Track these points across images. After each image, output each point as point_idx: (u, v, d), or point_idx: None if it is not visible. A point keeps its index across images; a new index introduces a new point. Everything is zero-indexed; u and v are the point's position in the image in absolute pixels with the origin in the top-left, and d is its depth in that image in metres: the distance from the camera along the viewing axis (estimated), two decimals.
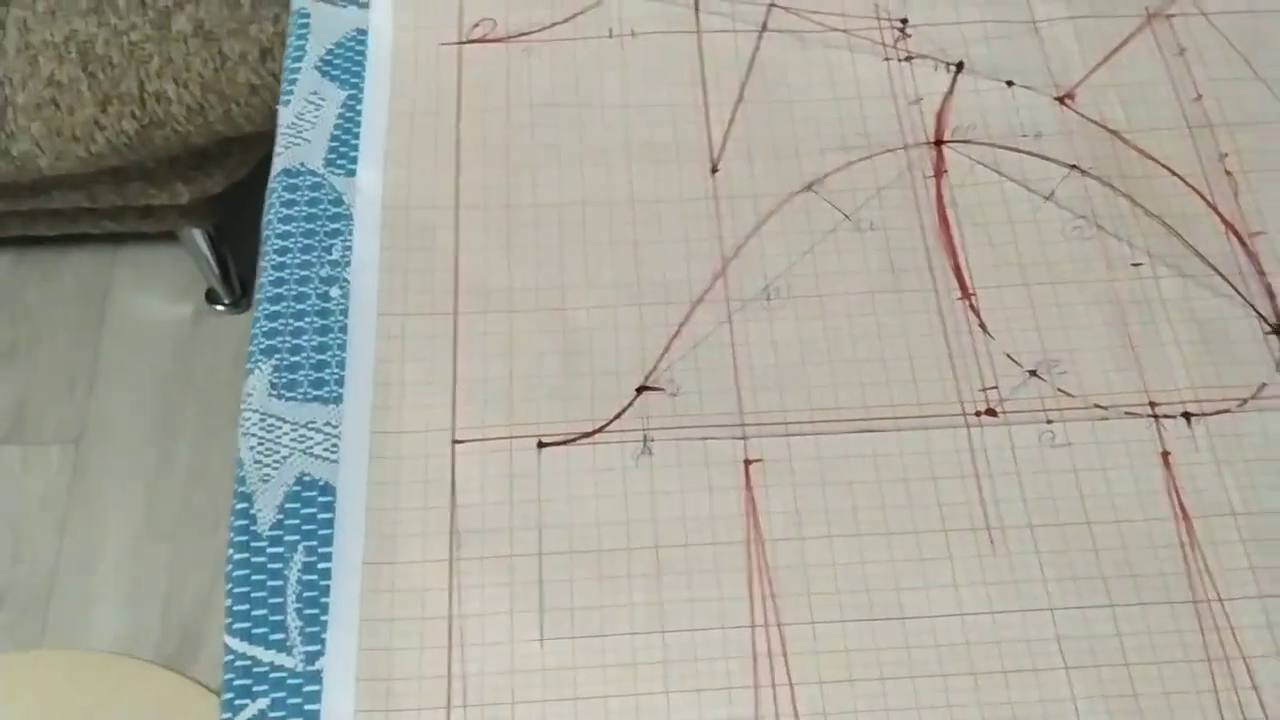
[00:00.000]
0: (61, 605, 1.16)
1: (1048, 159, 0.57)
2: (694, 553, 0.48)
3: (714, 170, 0.57)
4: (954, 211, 0.56)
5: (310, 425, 0.50)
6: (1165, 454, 0.50)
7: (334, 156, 0.56)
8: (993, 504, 0.49)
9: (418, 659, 0.45)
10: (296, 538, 0.47)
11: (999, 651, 0.46)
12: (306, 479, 0.48)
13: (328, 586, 0.46)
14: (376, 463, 0.49)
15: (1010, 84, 0.59)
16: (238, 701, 0.44)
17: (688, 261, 0.54)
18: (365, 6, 0.61)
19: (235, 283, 1.32)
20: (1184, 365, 0.52)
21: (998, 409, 0.51)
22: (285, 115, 0.57)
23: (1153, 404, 0.51)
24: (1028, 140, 0.58)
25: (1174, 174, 0.57)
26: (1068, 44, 0.60)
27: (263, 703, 0.44)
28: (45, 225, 1.20)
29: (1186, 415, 0.51)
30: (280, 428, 0.49)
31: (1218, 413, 0.51)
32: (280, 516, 0.47)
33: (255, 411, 0.50)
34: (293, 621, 0.45)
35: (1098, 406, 0.51)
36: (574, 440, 0.50)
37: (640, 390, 0.51)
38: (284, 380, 0.50)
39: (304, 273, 0.53)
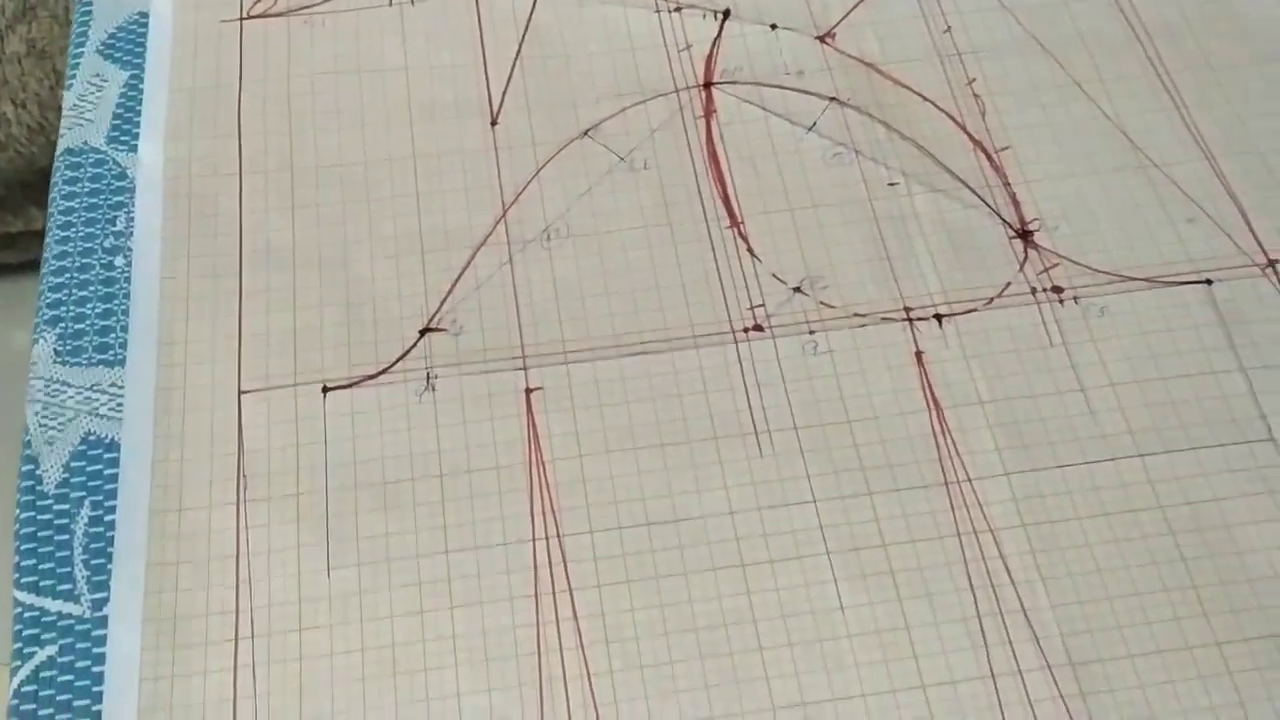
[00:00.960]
0: None
1: (809, 93, 0.61)
2: (477, 478, 0.50)
3: (494, 123, 0.59)
4: (723, 147, 0.59)
5: (95, 388, 0.51)
6: (919, 353, 0.53)
7: (116, 134, 0.57)
8: (760, 411, 0.52)
9: (204, 597, 0.47)
10: (83, 494, 0.48)
11: (766, 544, 0.49)
12: (92, 438, 0.50)
13: (114, 538, 0.47)
14: (162, 417, 0.50)
15: (774, 27, 0.63)
16: (26, 650, 0.45)
17: (469, 210, 0.56)
18: None
19: None
20: (936, 272, 0.55)
21: (764, 325, 0.54)
22: (69, 99, 0.58)
23: (907, 309, 0.54)
24: (791, 78, 0.61)
25: (926, 100, 0.61)
26: None
27: (51, 649, 0.45)
28: None
29: (938, 316, 0.54)
30: (65, 392, 0.51)
31: (966, 312, 0.54)
32: (66, 475, 0.49)
33: (40, 379, 0.51)
34: (80, 572, 0.47)
35: (856, 315, 0.54)
36: (358, 383, 0.52)
37: (423, 332, 0.53)
38: (69, 347, 0.52)
39: (88, 245, 0.54)
